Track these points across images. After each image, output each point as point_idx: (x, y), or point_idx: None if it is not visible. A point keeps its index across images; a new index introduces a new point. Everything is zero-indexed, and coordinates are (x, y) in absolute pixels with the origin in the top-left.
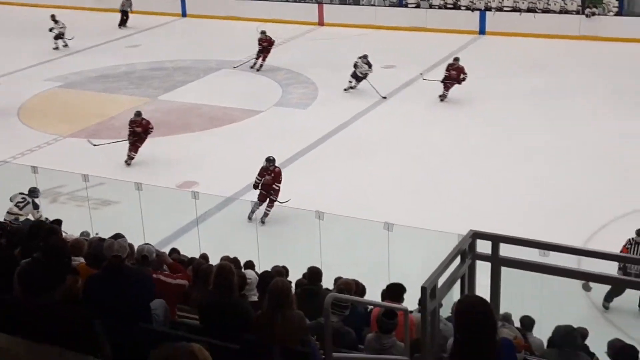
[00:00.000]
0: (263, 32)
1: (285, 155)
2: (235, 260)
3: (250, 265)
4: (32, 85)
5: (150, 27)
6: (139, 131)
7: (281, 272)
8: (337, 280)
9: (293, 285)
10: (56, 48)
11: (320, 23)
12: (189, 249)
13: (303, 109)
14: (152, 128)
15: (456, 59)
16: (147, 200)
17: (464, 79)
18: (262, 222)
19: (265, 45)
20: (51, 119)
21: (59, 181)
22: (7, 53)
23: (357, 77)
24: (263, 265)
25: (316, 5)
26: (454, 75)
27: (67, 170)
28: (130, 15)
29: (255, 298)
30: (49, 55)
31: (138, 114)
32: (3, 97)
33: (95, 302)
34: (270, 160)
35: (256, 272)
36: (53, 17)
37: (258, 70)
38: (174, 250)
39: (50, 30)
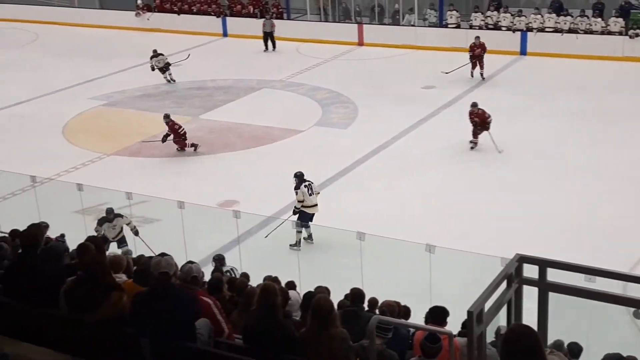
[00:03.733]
0: (477, 38)
1: (326, 174)
2: (275, 280)
3: (291, 285)
4: (76, 103)
5: (192, 47)
6: (477, 121)
7: (324, 292)
8: (371, 300)
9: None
10: (169, 80)
11: (360, 43)
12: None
13: (343, 128)
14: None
15: (474, 105)
16: (188, 218)
17: (489, 123)
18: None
19: (478, 51)
20: (95, 137)
21: (103, 199)
22: (53, 71)
23: None
24: (304, 286)
25: (356, 25)
26: (478, 122)
27: (111, 188)
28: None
29: (297, 318)
30: (93, 74)
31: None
32: (49, 115)
33: (142, 320)
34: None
35: (298, 293)
36: (154, 51)
37: (483, 79)
38: (217, 269)
39: (153, 69)
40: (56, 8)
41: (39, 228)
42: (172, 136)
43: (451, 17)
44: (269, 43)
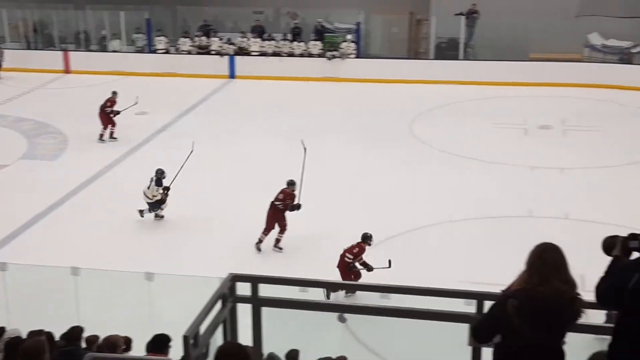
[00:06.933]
0: (114, 93)
1: (37, 209)
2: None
3: None
4: None
5: None
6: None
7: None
8: (89, 338)
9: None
10: None
11: (67, 71)
12: None
13: (52, 160)
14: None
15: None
16: None
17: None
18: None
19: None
20: None
21: None
22: None
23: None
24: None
25: (61, 52)
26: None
27: None
28: None
29: None
30: None
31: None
32: None
33: None
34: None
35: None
36: None
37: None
38: None
39: None
40: None
41: None
42: None
43: (160, 43)
44: None
